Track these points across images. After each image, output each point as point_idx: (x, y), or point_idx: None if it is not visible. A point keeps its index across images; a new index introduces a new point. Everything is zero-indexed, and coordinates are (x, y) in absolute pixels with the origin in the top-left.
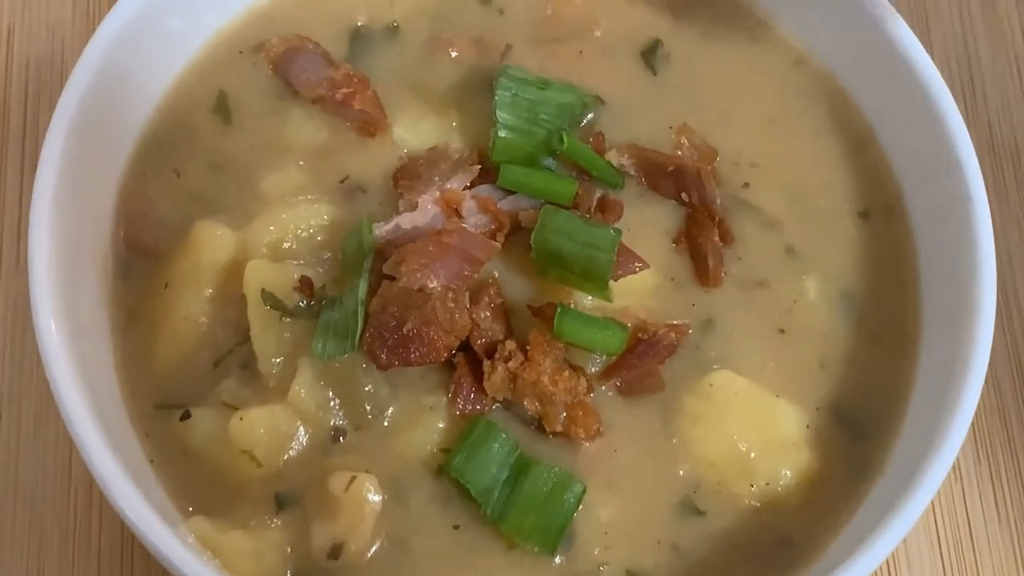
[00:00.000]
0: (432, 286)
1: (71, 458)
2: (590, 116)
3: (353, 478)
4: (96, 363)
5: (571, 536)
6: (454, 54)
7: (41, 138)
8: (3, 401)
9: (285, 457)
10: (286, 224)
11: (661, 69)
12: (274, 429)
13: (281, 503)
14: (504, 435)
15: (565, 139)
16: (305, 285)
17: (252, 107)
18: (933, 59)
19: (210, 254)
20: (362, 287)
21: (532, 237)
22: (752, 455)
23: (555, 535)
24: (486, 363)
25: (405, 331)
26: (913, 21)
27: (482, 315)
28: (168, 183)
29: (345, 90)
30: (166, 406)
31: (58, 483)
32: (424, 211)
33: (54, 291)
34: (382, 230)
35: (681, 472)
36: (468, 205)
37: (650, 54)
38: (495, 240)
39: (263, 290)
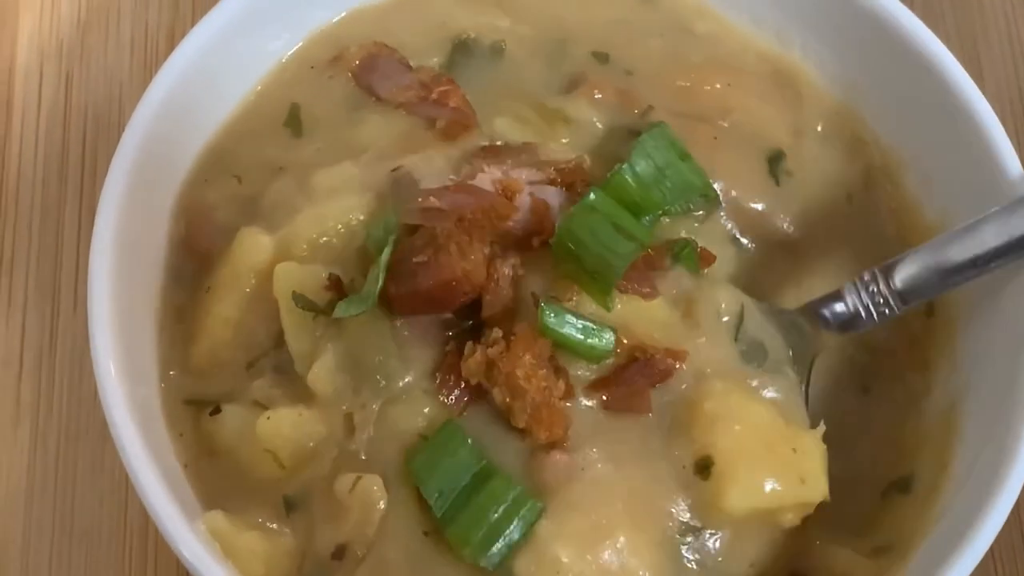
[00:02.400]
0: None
1: (127, 499)
2: (700, 213)
3: (358, 478)
4: (143, 366)
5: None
6: (598, 96)
7: (99, 180)
8: (62, 441)
9: (307, 460)
10: (325, 220)
11: (784, 182)
12: (299, 430)
13: (291, 505)
14: (469, 441)
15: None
16: (334, 283)
17: (325, 118)
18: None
19: (247, 258)
20: (386, 252)
21: (557, 223)
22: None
23: (498, 552)
24: (468, 345)
25: (415, 261)
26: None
27: (504, 271)
28: (228, 190)
29: (441, 88)
30: (197, 402)
31: (114, 524)
32: (482, 180)
33: (113, 336)
34: (428, 186)
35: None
36: (523, 199)
37: (775, 163)
38: (531, 243)
39: (293, 292)
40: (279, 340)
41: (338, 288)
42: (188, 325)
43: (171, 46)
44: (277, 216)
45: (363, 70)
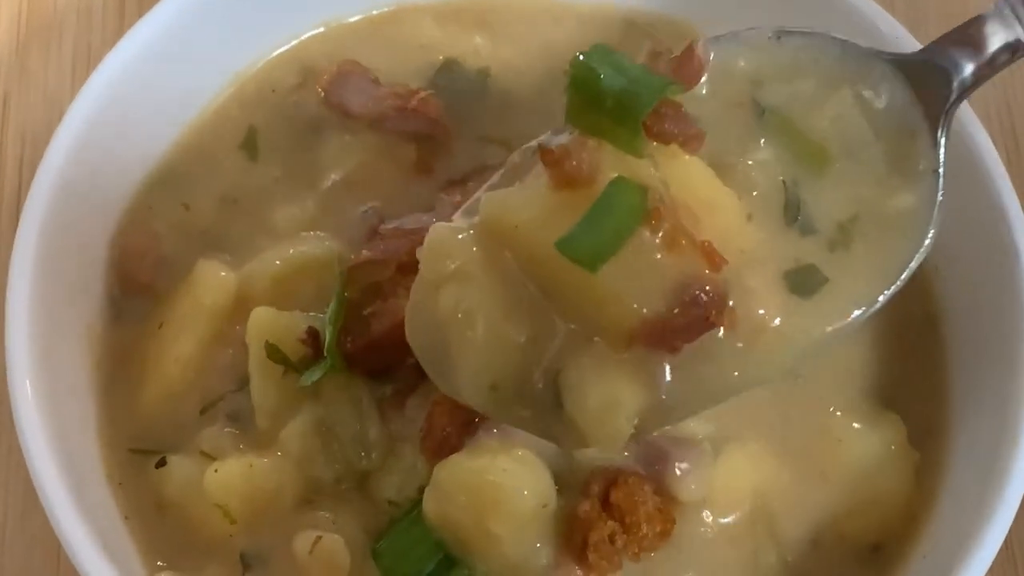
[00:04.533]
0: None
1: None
2: None
3: (319, 538)
4: (75, 414)
5: None
6: None
7: None
8: None
9: (259, 513)
10: (290, 260)
11: None
12: (251, 483)
13: (247, 563)
14: (430, 538)
15: None
16: (311, 337)
17: (285, 142)
18: None
19: (210, 296)
20: (332, 307)
21: (571, 65)
22: None
23: None
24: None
25: (366, 313)
26: None
27: None
28: (175, 218)
29: (420, 96)
30: (143, 451)
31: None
32: (437, 213)
33: (31, 354)
34: (386, 227)
35: None
36: None
37: None
38: None
39: (267, 342)
40: (240, 384)
41: (315, 343)
42: (136, 365)
43: None
44: (238, 252)
45: (334, 85)
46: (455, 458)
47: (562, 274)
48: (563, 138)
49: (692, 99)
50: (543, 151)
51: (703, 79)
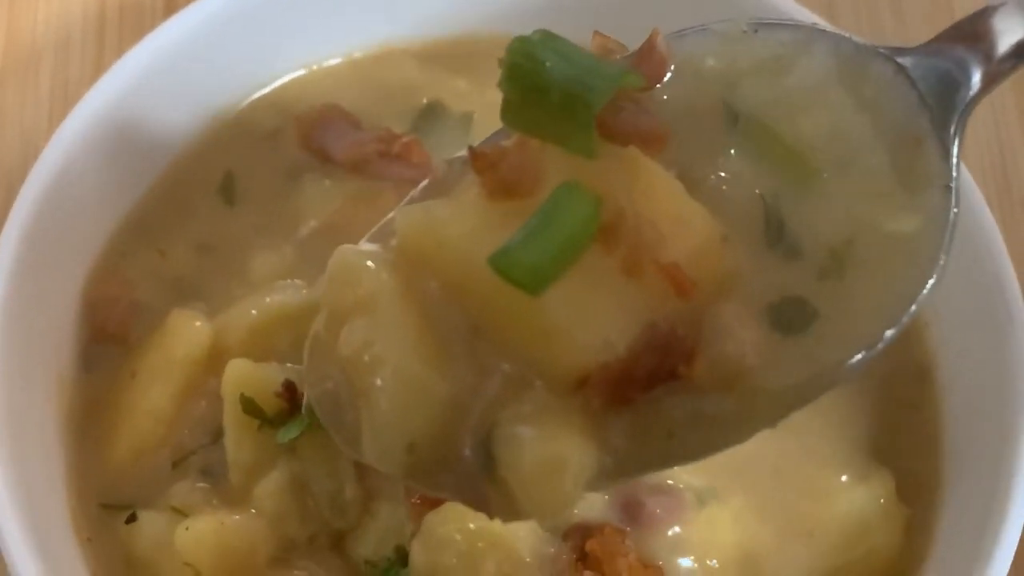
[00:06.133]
0: None
1: None
2: None
3: None
4: (43, 466)
5: None
6: None
7: None
8: None
9: (231, 572)
10: (267, 309)
11: None
12: (223, 541)
13: None
14: None
15: None
16: (288, 391)
17: (263, 187)
18: None
19: (183, 347)
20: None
21: (507, 52)
22: None
23: None
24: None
25: None
26: None
27: None
28: (150, 264)
29: (404, 140)
30: (112, 506)
31: None
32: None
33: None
34: None
35: None
36: None
37: None
38: None
39: (243, 396)
40: (215, 438)
41: (292, 397)
42: (107, 417)
43: None
44: (214, 300)
45: (314, 129)
46: (448, 505)
47: (496, 301)
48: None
49: (652, 102)
50: (474, 154)
51: (665, 79)
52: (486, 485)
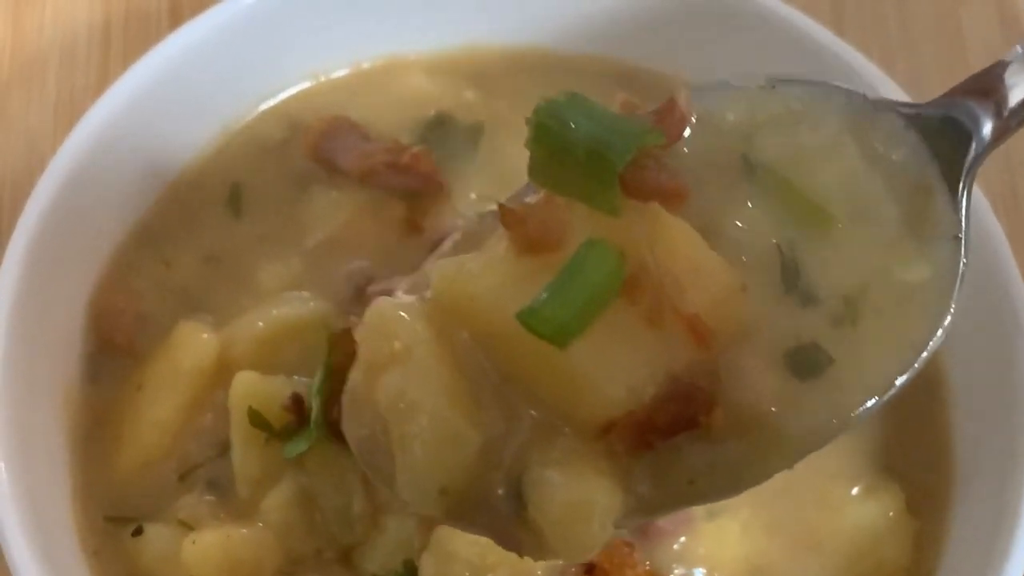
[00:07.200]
0: None
1: None
2: None
3: None
4: (49, 479)
5: None
6: None
7: None
8: None
9: None
10: (274, 321)
11: None
12: (230, 555)
13: None
14: None
15: None
16: (295, 404)
17: (270, 199)
18: None
19: (190, 359)
20: (317, 377)
21: (534, 113)
22: None
23: None
24: None
25: None
26: None
27: None
28: (156, 275)
29: (412, 151)
30: (118, 519)
31: None
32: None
33: (4, 416)
34: (373, 289)
35: None
36: None
37: None
38: None
39: (250, 409)
40: (221, 451)
41: (299, 410)
42: (113, 429)
43: None
44: (220, 311)
45: (323, 140)
46: None
47: (525, 352)
48: (528, 198)
49: (673, 156)
50: (504, 211)
51: (686, 133)
52: (516, 526)
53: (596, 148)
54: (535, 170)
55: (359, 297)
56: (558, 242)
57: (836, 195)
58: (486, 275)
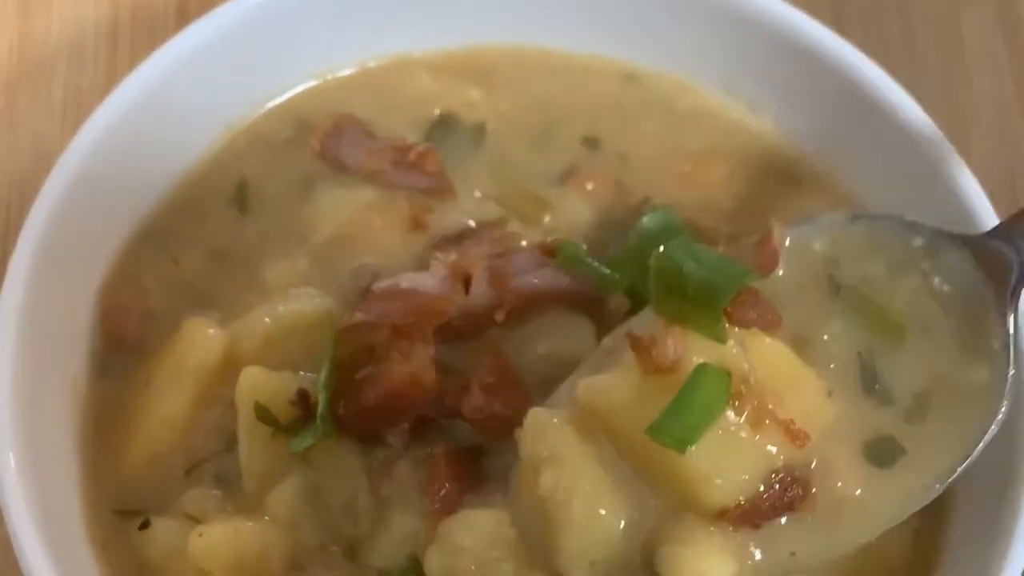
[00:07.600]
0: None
1: None
2: None
3: None
4: (57, 473)
5: None
6: (590, 187)
7: None
8: None
9: None
10: (280, 318)
11: None
12: (236, 548)
13: None
14: None
15: None
16: (301, 399)
17: (276, 197)
18: None
19: (197, 355)
20: (323, 372)
21: (654, 258)
22: None
23: None
24: None
25: (359, 377)
26: None
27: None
28: (164, 272)
29: (419, 149)
30: (126, 512)
31: None
32: (432, 272)
33: (14, 413)
34: (379, 285)
35: None
36: (479, 276)
37: None
38: (496, 316)
39: (257, 403)
40: (228, 446)
41: (305, 405)
42: (121, 424)
43: None
44: (227, 308)
45: (329, 138)
46: (464, 512)
47: (654, 455)
48: (649, 323)
49: (771, 281)
50: (632, 339)
51: (779, 263)
52: None
53: (703, 289)
54: (657, 303)
55: (365, 293)
56: (677, 365)
57: (907, 312)
58: (620, 393)
